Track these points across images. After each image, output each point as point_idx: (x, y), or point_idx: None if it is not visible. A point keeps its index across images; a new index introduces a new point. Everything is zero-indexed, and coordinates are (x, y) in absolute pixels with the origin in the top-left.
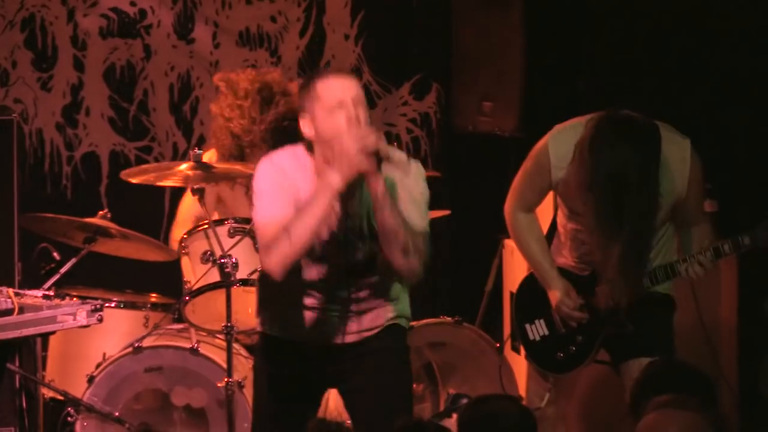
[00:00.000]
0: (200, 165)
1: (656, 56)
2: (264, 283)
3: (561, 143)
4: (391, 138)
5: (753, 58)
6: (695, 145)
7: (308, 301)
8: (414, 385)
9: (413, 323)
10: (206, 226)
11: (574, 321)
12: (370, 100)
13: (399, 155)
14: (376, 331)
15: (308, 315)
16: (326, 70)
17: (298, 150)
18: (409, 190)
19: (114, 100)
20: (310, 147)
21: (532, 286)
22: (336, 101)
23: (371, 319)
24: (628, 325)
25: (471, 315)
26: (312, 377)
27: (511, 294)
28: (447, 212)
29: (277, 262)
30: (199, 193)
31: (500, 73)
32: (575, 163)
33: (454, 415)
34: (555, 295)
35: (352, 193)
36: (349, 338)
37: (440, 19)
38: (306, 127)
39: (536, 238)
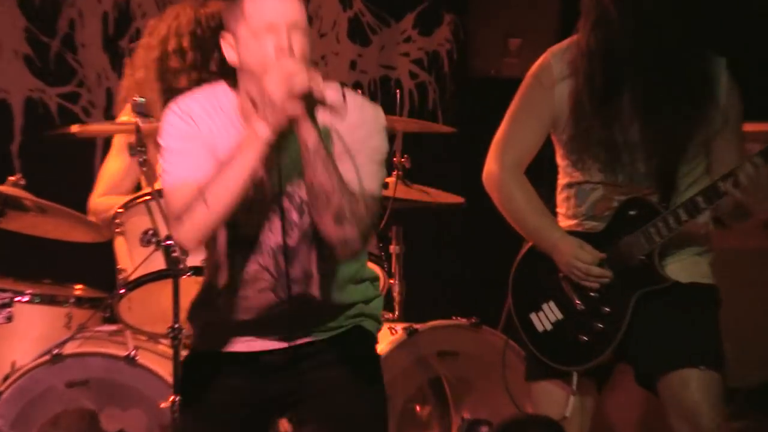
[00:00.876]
0: (142, 114)
1: None
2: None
3: (564, 58)
4: (390, 84)
5: None
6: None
7: (242, 296)
8: (418, 408)
9: (417, 326)
10: (148, 197)
11: (595, 281)
12: (363, 36)
13: (338, 97)
14: (330, 334)
15: (242, 314)
16: None
17: (218, 88)
18: (359, 142)
19: (31, 32)
20: (233, 82)
21: (531, 265)
22: (265, 23)
23: (322, 318)
24: (670, 280)
25: (492, 316)
26: (253, 401)
27: (511, 276)
28: (459, 200)
29: (189, 231)
30: (140, 153)
31: (532, 0)
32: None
33: None
34: (565, 254)
35: (285, 147)
36: (295, 341)
37: None
38: (227, 50)
39: (529, 195)
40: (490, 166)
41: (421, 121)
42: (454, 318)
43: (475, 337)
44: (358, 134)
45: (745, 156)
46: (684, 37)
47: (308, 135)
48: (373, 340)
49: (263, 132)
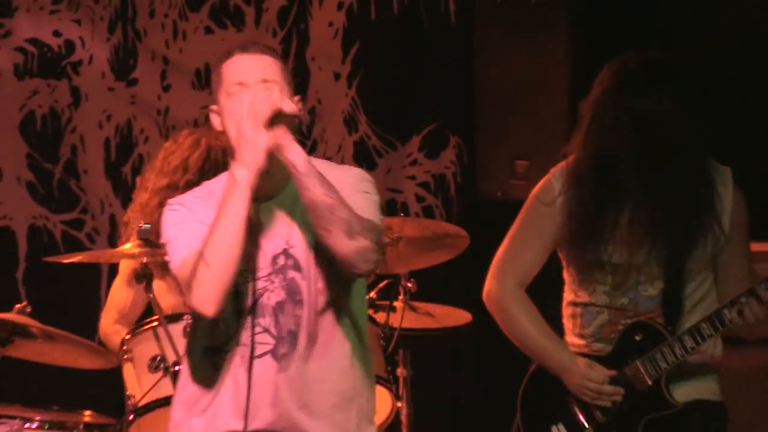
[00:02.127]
0: (148, 243)
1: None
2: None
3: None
4: (396, 207)
5: None
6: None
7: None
8: None
9: None
10: (155, 323)
11: (606, 401)
12: (370, 159)
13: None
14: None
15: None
16: (237, 47)
17: (214, 183)
18: (347, 188)
19: (33, 159)
20: None
21: (539, 387)
22: (236, 82)
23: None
24: (676, 403)
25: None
26: None
27: (520, 395)
28: (468, 318)
29: (199, 294)
30: (146, 279)
31: (540, 122)
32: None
33: None
34: (576, 375)
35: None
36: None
37: (460, 52)
38: (214, 118)
39: (533, 316)
40: (491, 286)
41: (428, 222)
42: None
43: None
44: (344, 185)
45: (751, 278)
46: (693, 145)
47: (294, 156)
48: None
49: (243, 175)
